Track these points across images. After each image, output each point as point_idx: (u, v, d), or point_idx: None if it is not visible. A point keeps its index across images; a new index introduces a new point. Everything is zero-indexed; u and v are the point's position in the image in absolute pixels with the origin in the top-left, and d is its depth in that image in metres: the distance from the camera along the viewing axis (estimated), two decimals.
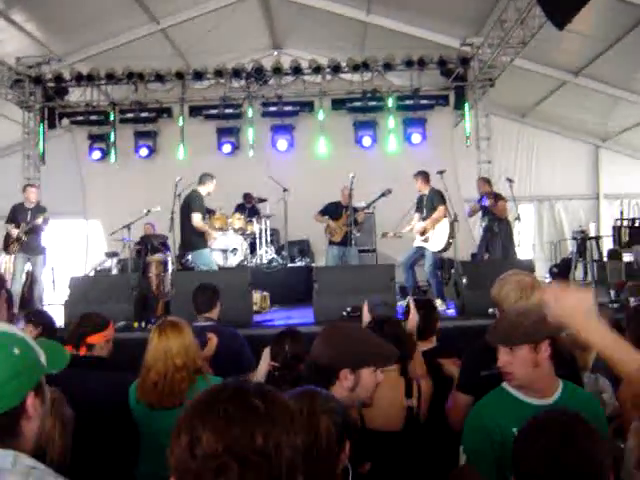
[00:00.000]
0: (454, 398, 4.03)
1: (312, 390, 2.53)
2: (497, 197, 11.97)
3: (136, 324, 9.07)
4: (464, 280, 9.32)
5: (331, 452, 2.32)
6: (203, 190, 10.63)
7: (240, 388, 1.60)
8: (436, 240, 10.71)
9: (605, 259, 14.77)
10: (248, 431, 1.49)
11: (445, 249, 10.80)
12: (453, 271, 10.75)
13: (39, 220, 11.51)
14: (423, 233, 10.87)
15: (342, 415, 2.42)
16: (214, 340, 5.29)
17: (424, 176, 11.29)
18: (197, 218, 10.33)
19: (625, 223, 15.44)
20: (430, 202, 11.01)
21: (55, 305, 11.65)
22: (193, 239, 10.52)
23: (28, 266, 11.73)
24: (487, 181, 12.82)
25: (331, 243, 12.18)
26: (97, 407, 3.93)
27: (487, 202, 11.91)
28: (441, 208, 10.75)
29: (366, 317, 4.53)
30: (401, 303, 9.50)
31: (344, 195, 11.91)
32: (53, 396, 2.69)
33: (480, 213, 12.42)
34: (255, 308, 10.15)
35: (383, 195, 11.67)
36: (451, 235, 10.56)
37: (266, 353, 4.41)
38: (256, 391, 1.59)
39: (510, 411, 3.06)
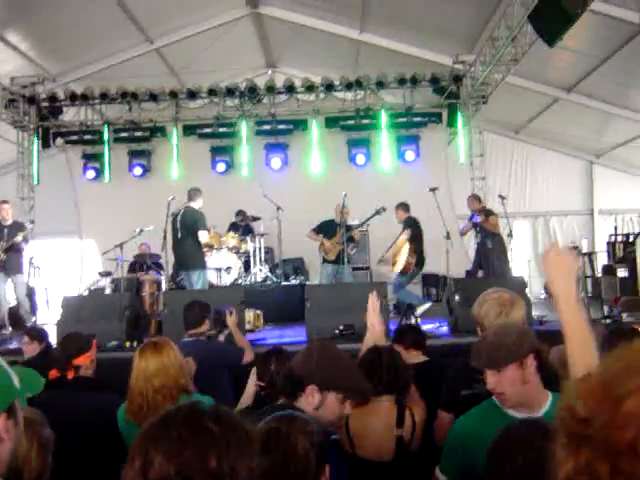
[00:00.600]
0: (438, 416, 4.09)
1: (292, 413, 2.53)
2: (487, 213, 12.02)
3: (128, 343, 9.03)
4: (456, 297, 9.28)
5: (308, 473, 2.31)
6: (196, 206, 10.71)
7: (194, 411, 1.59)
8: (399, 263, 10.98)
9: (599, 275, 14.80)
10: (201, 454, 1.48)
11: (405, 270, 11.02)
12: (446, 288, 10.75)
13: (18, 238, 11.13)
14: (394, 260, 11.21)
15: (321, 438, 2.41)
16: (191, 363, 5.30)
17: (403, 207, 11.70)
18: (205, 236, 10.54)
19: (619, 239, 15.45)
20: (403, 229, 11.38)
21: (49, 324, 11.62)
22: (197, 258, 10.69)
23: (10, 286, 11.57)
24: (477, 198, 12.86)
25: (325, 261, 12.23)
26: (86, 428, 3.94)
27: (478, 219, 11.98)
28: (404, 234, 11.18)
29: (373, 319, 4.51)
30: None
31: (337, 213, 11.95)
32: (31, 417, 2.69)
33: (473, 230, 12.46)
34: (248, 327, 10.10)
35: (377, 213, 11.71)
36: (411, 256, 10.91)
37: (253, 373, 4.40)
38: (211, 414, 1.58)
39: (498, 426, 3.05)
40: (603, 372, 0.98)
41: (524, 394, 3.09)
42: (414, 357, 5.30)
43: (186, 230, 10.53)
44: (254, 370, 4.42)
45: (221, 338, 6.73)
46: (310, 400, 2.93)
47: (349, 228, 11.99)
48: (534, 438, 2.22)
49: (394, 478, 3.72)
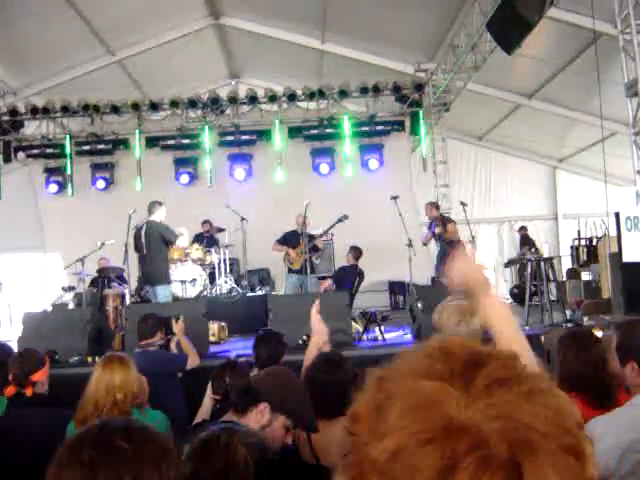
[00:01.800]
0: None
1: (233, 426, 2.53)
2: (445, 221, 12.14)
3: (89, 358, 8.93)
4: (419, 304, 9.32)
5: None
6: (158, 218, 10.72)
7: (104, 431, 1.57)
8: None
9: (564, 278, 14.94)
10: (115, 476, 1.46)
11: None
12: (409, 296, 10.79)
13: None
14: None
15: (261, 451, 2.41)
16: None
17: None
18: (185, 240, 11.46)
19: (582, 242, 15.61)
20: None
21: (12, 341, 11.49)
22: (163, 273, 10.76)
23: None
24: (435, 205, 12.98)
25: (290, 271, 12.24)
26: (38, 444, 3.89)
27: (436, 229, 12.11)
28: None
29: (315, 322, 4.55)
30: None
31: (298, 223, 12.01)
32: None
33: (433, 239, 12.57)
34: (213, 339, 10.08)
35: (340, 221, 11.80)
36: None
37: (209, 387, 4.39)
38: (121, 431, 1.55)
39: None
40: (376, 393, 0.92)
41: None
42: None
43: (152, 245, 10.54)
44: (210, 384, 4.40)
45: (172, 346, 6.92)
46: (259, 418, 2.93)
47: (312, 237, 12.02)
48: None
49: None
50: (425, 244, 12.89)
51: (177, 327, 6.95)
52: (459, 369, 0.90)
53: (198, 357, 6.83)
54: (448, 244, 12.00)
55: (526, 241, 17.06)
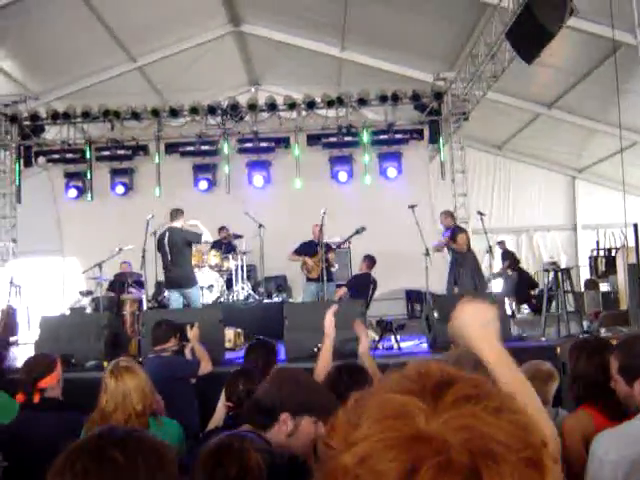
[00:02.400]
0: None
1: (242, 433, 2.53)
2: (455, 233, 12.13)
3: (106, 363, 8.95)
4: (435, 314, 9.27)
5: None
6: (179, 225, 10.98)
7: (98, 442, 1.57)
8: None
9: (582, 289, 14.83)
10: None
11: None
12: (425, 305, 10.76)
13: None
14: None
15: (271, 457, 2.41)
16: None
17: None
18: (208, 235, 11.44)
19: (601, 253, 15.51)
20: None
21: (29, 344, 11.55)
22: (191, 276, 11.14)
23: None
24: (450, 214, 12.93)
25: (309, 280, 12.23)
26: (51, 448, 3.88)
27: (443, 238, 12.21)
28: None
29: (328, 324, 4.57)
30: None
31: (315, 232, 12.03)
32: None
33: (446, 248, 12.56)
34: (229, 345, 10.08)
35: (357, 232, 11.79)
36: None
37: (223, 394, 4.38)
38: (116, 441, 1.55)
39: None
40: (352, 407, 0.98)
41: None
42: None
43: (176, 250, 10.81)
44: (224, 391, 4.40)
45: (187, 352, 7.00)
46: (284, 429, 2.91)
47: (329, 247, 12.04)
48: None
49: None
50: (438, 250, 12.83)
51: (192, 333, 7.02)
52: (430, 387, 0.94)
53: (210, 363, 6.87)
54: (458, 253, 12.02)
55: (507, 255, 16.94)
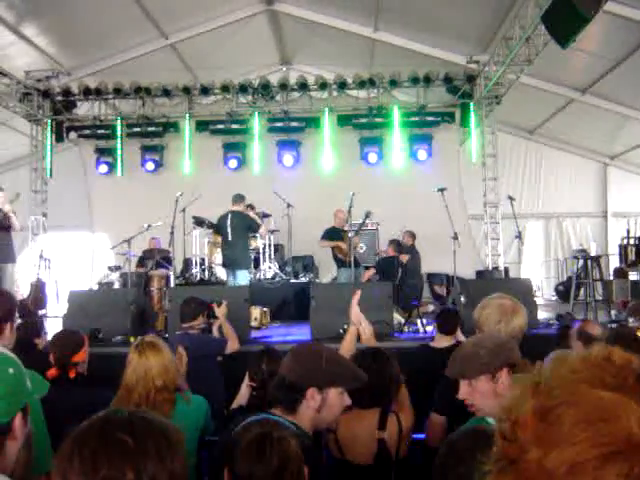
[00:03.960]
0: (430, 418, 4.20)
1: (268, 418, 2.53)
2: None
3: (132, 339, 8.99)
4: (462, 298, 9.22)
5: (300, 475, 2.31)
6: (240, 209, 11.55)
7: (106, 424, 1.55)
8: None
9: (611, 277, 14.70)
10: (117, 470, 1.44)
11: None
12: (452, 289, 10.71)
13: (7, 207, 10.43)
14: None
15: (302, 442, 2.42)
16: (183, 356, 5.56)
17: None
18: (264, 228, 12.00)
19: (631, 242, 15.34)
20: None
21: (58, 318, 11.66)
22: (246, 258, 11.71)
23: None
24: (412, 235, 12.81)
25: (343, 265, 12.15)
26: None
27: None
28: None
29: (354, 313, 4.57)
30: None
31: (339, 218, 12.08)
32: None
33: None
34: (255, 324, 10.12)
35: (367, 217, 11.78)
36: None
37: (247, 374, 4.40)
38: (124, 424, 1.54)
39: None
40: (544, 399, 0.89)
41: (495, 407, 3.03)
42: (447, 341, 6.10)
43: (236, 233, 11.26)
44: (248, 370, 4.41)
45: (215, 330, 7.05)
46: (312, 403, 2.92)
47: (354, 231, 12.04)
48: (476, 448, 2.20)
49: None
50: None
51: (220, 311, 7.04)
52: (633, 382, 0.88)
53: (238, 342, 6.92)
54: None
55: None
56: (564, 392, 0.88)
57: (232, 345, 6.78)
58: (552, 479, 0.80)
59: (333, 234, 12.29)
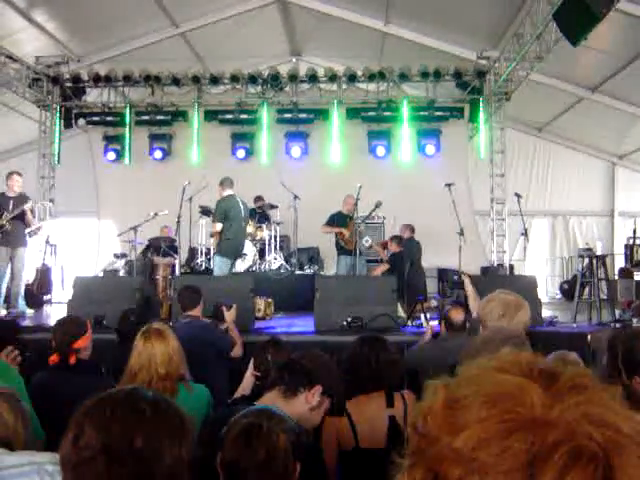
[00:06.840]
0: None
1: (269, 409, 2.54)
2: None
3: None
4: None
5: (287, 470, 2.32)
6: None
7: (133, 393, 1.65)
8: None
9: (616, 277, 14.67)
10: (128, 432, 1.52)
11: None
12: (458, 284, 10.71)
13: (27, 206, 10.60)
14: None
15: (297, 436, 2.43)
16: None
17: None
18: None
19: (638, 242, 15.31)
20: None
21: (63, 303, 11.69)
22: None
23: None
24: (409, 228, 12.69)
25: (343, 252, 12.18)
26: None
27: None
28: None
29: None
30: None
31: (348, 204, 12.01)
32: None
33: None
34: (259, 314, 10.14)
35: (377, 207, 11.76)
36: None
37: (252, 363, 4.41)
38: (148, 398, 1.63)
39: None
40: (453, 390, 0.92)
41: None
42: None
43: (247, 222, 11.52)
44: (252, 360, 4.43)
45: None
46: (310, 399, 2.94)
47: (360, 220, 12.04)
48: None
49: (386, 463, 3.74)
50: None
51: (229, 315, 7.01)
52: (538, 373, 0.90)
53: (242, 350, 6.79)
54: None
55: None
56: (472, 381, 0.92)
57: (237, 351, 6.70)
58: (461, 457, 0.83)
59: (338, 219, 12.29)
